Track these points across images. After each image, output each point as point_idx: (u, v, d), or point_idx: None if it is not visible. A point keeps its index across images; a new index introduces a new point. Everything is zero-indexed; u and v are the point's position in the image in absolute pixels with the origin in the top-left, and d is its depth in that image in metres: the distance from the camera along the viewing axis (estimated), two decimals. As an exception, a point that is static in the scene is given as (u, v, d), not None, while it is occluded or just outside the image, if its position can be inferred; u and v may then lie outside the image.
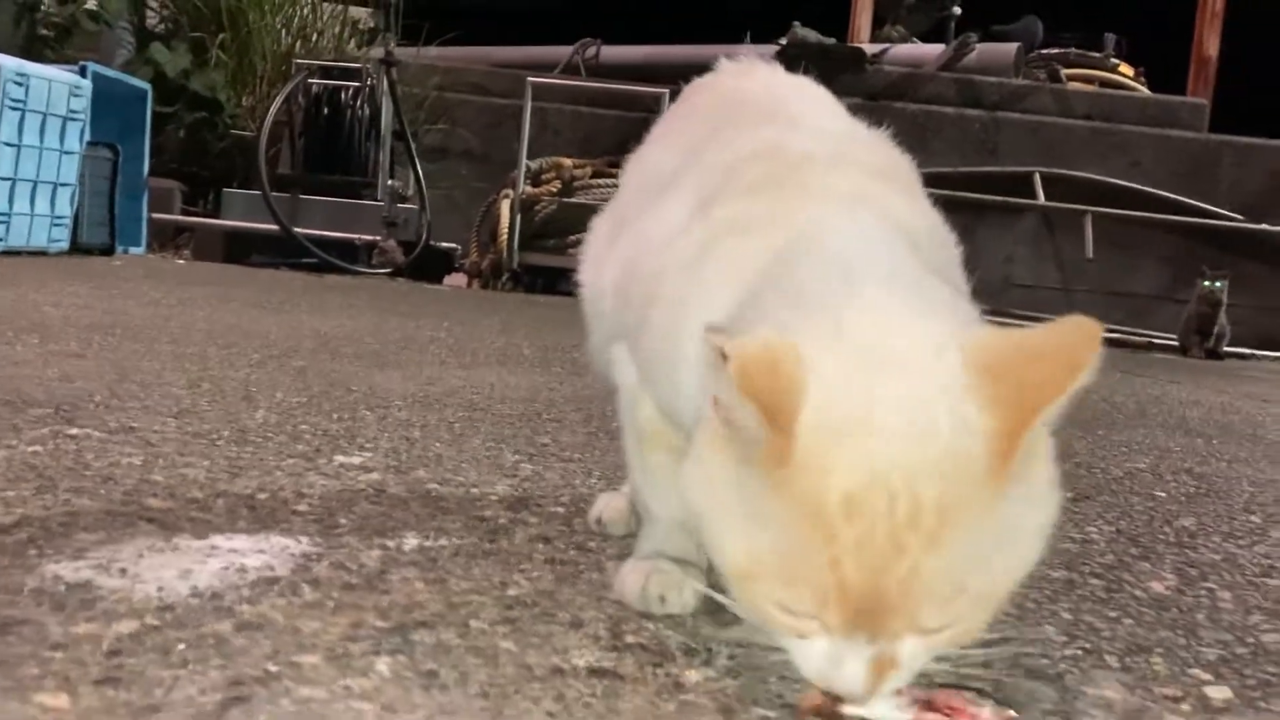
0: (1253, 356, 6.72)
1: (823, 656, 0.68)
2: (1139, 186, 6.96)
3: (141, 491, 1.17)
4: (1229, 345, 6.45)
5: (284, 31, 6.84)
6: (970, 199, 6.84)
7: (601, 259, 1.07)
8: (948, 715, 0.71)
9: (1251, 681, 0.87)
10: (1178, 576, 1.21)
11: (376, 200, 6.20)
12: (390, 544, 1.06)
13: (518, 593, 0.94)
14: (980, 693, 0.74)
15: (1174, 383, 4.35)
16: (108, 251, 5.28)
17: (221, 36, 6.50)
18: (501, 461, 1.53)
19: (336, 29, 7.10)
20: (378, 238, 6.03)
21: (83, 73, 5.04)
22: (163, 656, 0.73)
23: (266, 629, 0.80)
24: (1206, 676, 0.87)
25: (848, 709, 0.70)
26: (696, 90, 1.15)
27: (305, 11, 6.98)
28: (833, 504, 0.64)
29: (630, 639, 0.85)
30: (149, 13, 6.68)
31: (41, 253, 4.80)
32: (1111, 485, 1.81)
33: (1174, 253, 6.91)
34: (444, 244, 6.51)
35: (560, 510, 1.27)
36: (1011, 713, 0.73)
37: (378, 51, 6.32)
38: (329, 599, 0.88)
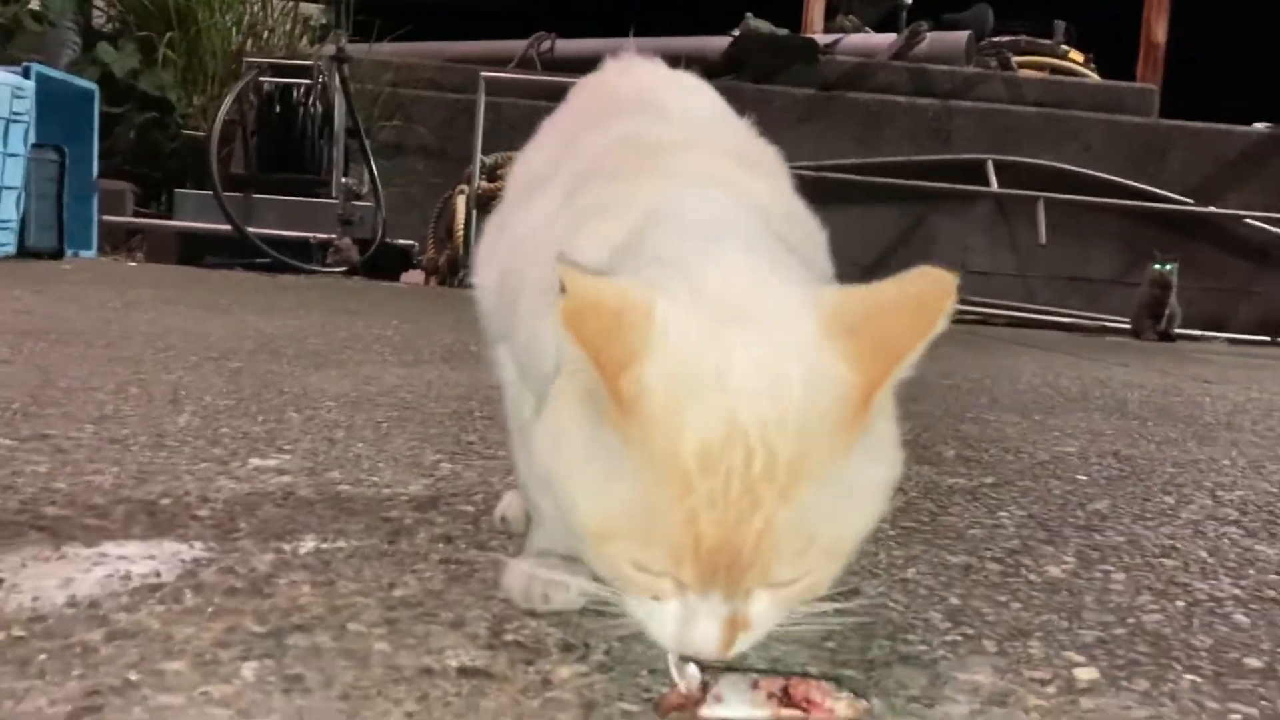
0: (1203, 338, 6.82)
1: (675, 617, 0.68)
2: (1091, 172, 7.03)
3: (40, 500, 1.17)
4: (1180, 327, 6.54)
5: (234, 29, 6.77)
6: (924, 187, 6.90)
7: (496, 261, 1.08)
8: (804, 708, 0.72)
9: (1121, 662, 0.89)
10: (1077, 559, 1.23)
11: (331, 198, 6.17)
12: (286, 548, 1.06)
13: (404, 594, 0.94)
14: (838, 682, 0.75)
15: (1122, 365, 4.41)
16: (57, 255, 5.22)
17: (170, 35, 6.43)
18: (421, 461, 1.53)
19: (288, 26, 7.05)
20: (333, 236, 5.99)
21: (26, 74, 4.98)
22: (20, 668, 0.73)
23: (138, 637, 0.80)
24: (1079, 659, 0.89)
25: (705, 711, 0.71)
26: (579, 90, 1.14)
27: (255, 9, 6.92)
28: (688, 458, 0.64)
29: (509, 637, 0.86)
30: (95, 12, 6.60)
31: (-14, 257, 4.74)
32: (1035, 469, 1.83)
33: (1126, 237, 7.00)
34: (401, 241, 6.48)
35: (470, 509, 1.27)
36: (865, 703, 0.74)
37: (329, 48, 6.28)
38: (210, 605, 0.88)
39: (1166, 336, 6.38)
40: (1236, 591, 1.13)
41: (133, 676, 0.73)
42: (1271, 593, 1.14)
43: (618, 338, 0.65)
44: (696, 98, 1.06)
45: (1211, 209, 7.06)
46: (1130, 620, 1.01)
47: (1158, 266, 6.33)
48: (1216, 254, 7.12)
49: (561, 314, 0.65)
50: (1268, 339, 6.95)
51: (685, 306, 0.67)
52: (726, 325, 0.67)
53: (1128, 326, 6.61)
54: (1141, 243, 6.68)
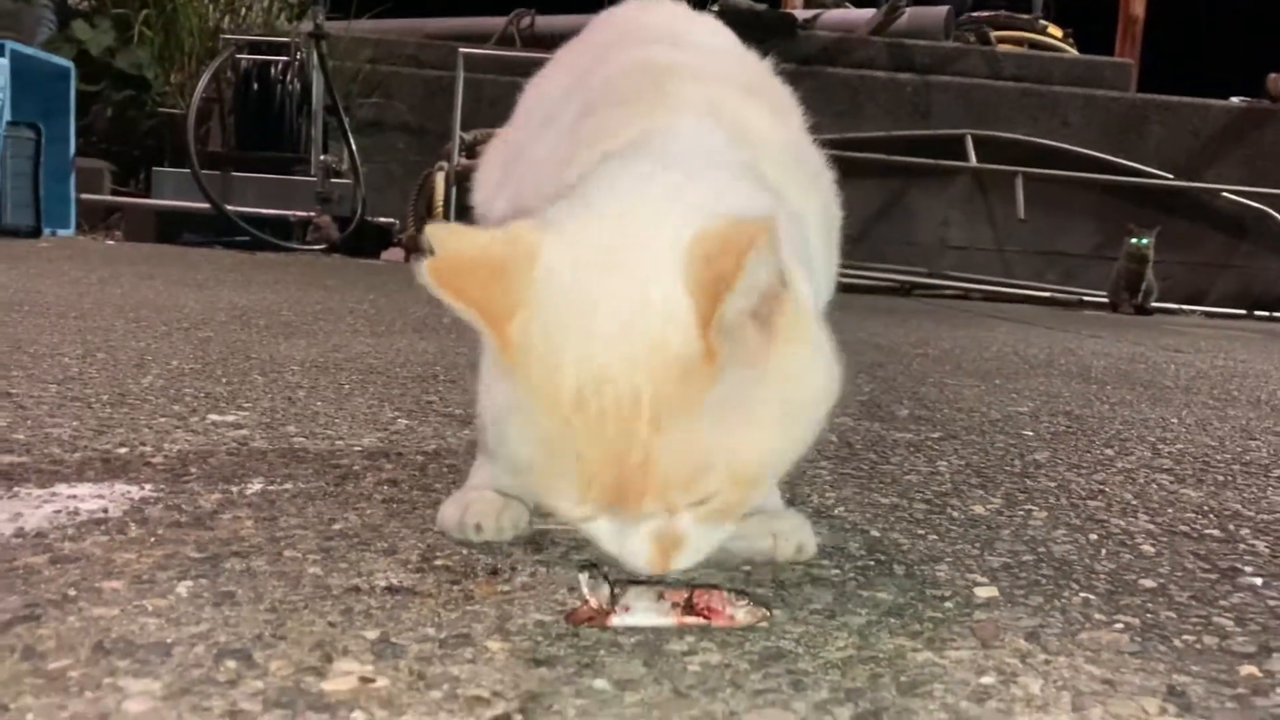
0: (1180, 311, 6.89)
1: (609, 533, 0.74)
2: (1069, 147, 7.08)
3: (-2, 449, 1.20)
4: (1157, 301, 6.61)
5: (211, 6, 6.76)
6: (903, 162, 6.93)
7: (495, 182, 1.10)
8: (706, 616, 0.77)
9: (1022, 583, 0.94)
10: (1004, 500, 1.28)
11: (310, 176, 6.17)
12: (234, 489, 1.10)
13: (343, 526, 0.99)
14: (740, 593, 0.79)
15: (1094, 337, 4.47)
16: (34, 233, 5.22)
17: (146, 12, 6.41)
18: (379, 418, 1.57)
19: (265, 3, 7.03)
20: (312, 214, 6.01)
21: (1, 51, 4.97)
22: (-37, 586, 0.77)
23: (80, 561, 0.84)
24: (982, 580, 0.94)
25: (614, 620, 0.76)
26: (599, 23, 1.13)
27: (233, -14, 6.91)
28: (565, 400, 0.68)
29: (439, 562, 0.90)
30: (71, -11, 6.58)
31: (-37, 235, 4.74)
32: (983, 426, 1.88)
33: (1104, 211, 7.05)
34: (381, 219, 6.50)
35: (419, 458, 1.31)
36: (765, 611, 0.79)
37: (308, 25, 6.27)
38: (152, 536, 0.92)
39: (1143, 310, 6.44)
40: (1150, 527, 1.18)
41: (71, 593, 0.77)
42: (1184, 528, 1.18)
43: (500, 288, 0.68)
44: (716, 34, 1.07)
45: (1189, 183, 7.12)
46: (1040, 550, 1.05)
47: (1134, 240, 6.38)
48: (1194, 228, 7.18)
49: (429, 272, 0.68)
50: (1244, 312, 7.02)
51: (566, 248, 0.71)
52: (597, 268, 0.70)
53: (1105, 300, 6.67)
54: (1119, 217, 6.73)
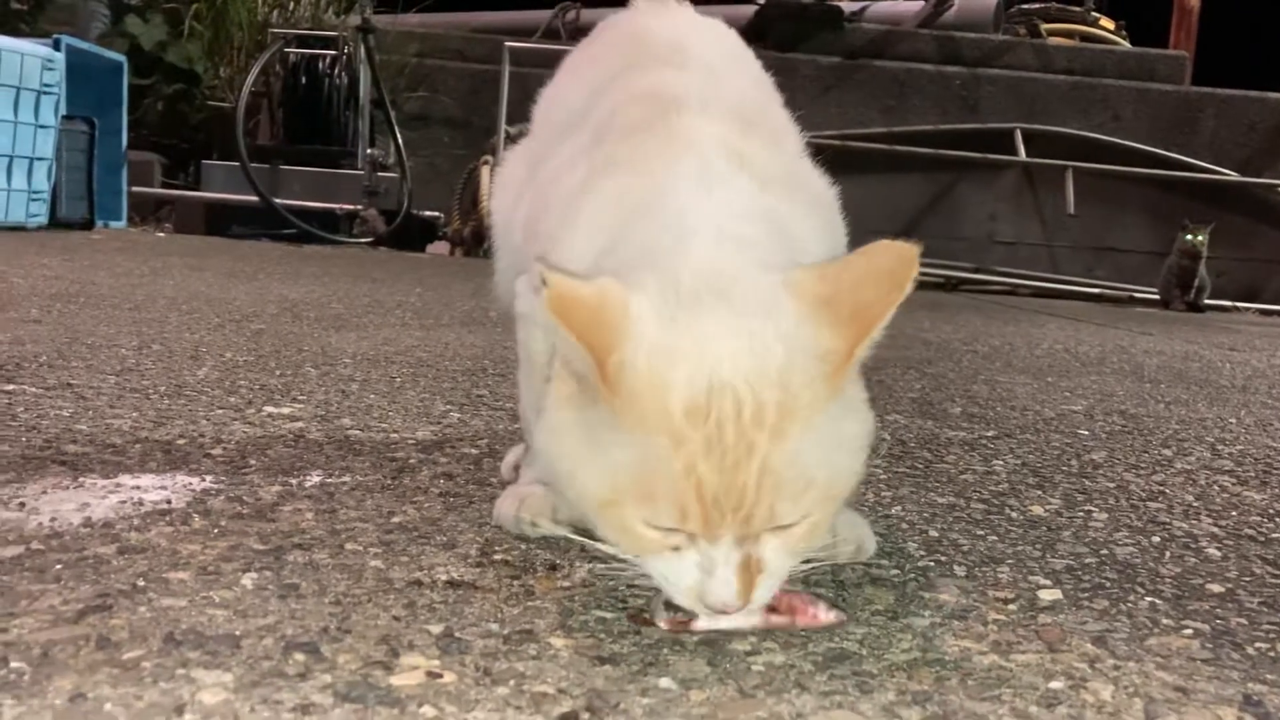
0: (1234, 308, 6.76)
1: (695, 569, 0.72)
2: (1120, 141, 6.96)
3: (62, 439, 1.22)
4: (1210, 297, 6.49)
5: (260, 1, 6.83)
6: (951, 156, 6.85)
7: (516, 191, 1.12)
8: (789, 614, 0.76)
9: (1086, 586, 0.92)
10: (1063, 501, 1.26)
11: (356, 169, 6.22)
12: (293, 481, 1.11)
13: (402, 520, 0.99)
14: (816, 596, 0.79)
15: (1145, 334, 4.39)
16: (87, 225, 5.31)
17: (197, 7, 6.49)
18: (431, 411, 1.58)
19: (313, -3, 7.09)
20: (358, 207, 6.05)
21: (56, 46, 5.05)
22: (37, 575, 0.78)
23: (147, 552, 0.85)
24: (1045, 582, 0.92)
25: (698, 624, 0.75)
26: (608, 27, 1.17)
27: (281, -19, 6.97)
28: (677, 414, 0.69)
29: (499, 557, 0.90)
30: (123, -15, 6.67)
31: (20, 228, 4.83)
32: (1038, 425, 1.85)
33: (1155, 206, 6.93)
34: (427, 212, 6.53)
35: (473, 452, 1.32)
36: (841, 613, 0.78)
37: (355, 19, 6.32)
38: (215, 527, 0.93)
39: (1195, 307, 6.33)
40: (1215, 530, 1.16)
41: (140, 583, 0.78)
42: (1250, 531, 1.16)
43: (599, 328, 0.70)
44: (722, 41, 1.08)
45: (1244, 178, 6.97)
46: (1103, 552, 1.04)
47: (1188, 237, 6.27)
48: (1249, 224, 7.03)
49: (547, 302, 0.70)
50: (1299, 310, 6.87)
51: (657, 298, 0.73)
52: (698, 307, 0.73)
53: (1156, 297, 6.56)
54: (1171, 212, 6.61)
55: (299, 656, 0.67)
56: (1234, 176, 6.98)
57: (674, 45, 1.05)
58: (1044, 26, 7.57)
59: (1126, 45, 7.77)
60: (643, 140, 0.90)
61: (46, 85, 4.90)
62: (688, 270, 0.75)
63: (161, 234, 5.87)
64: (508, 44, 6.45)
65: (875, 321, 0.73)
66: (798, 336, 0.72)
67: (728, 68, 1.07)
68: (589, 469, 0.73)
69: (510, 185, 1.14)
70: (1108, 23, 7.88)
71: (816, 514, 0.73)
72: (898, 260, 0.74)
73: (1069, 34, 7.71)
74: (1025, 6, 7.82)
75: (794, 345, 0.71)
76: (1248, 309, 6.80)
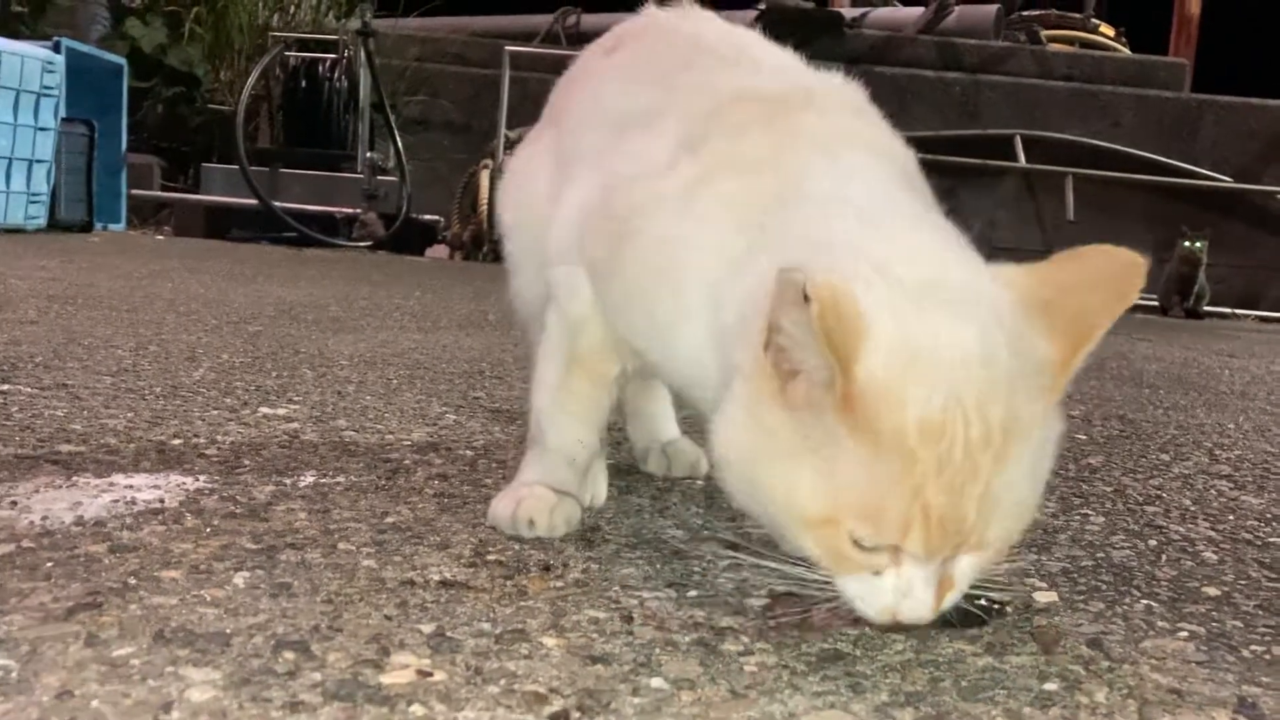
0: (1233, 315, 6.76)
1: (892, 589, 0.70)
2: (1120, 147, 6.96)
3: (56, 438, 1.22)
4: (1209, 304, 6.49)
5: (261, 4, 6.84)
6: (952, 162, 6.85)
7: (530, 194, 1.10)
8: None
9: (1082, 588, 0.92)
10: (1059, 504, 1.25)
11: (356, 173, 6.22)
12: (287, 481, 1.10)
13: (395, 520, 0.99)
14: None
15: (1144, 340, 4.39)
16: (86, 228, 5.31)
17: (197, 10, 6.51)
18: (427, 413, 1.58)
19: (314, 1, 7.10)
20: (358, 210, 6.06)
21: (56, 48, 5.05)
22: (28, 572, 0.78)
23: (139, 550, 0.85)
24: (1041, 584, 0.92)
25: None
26: (640, 32, 1.14)
27: (282, -16, 6.98)
28: (911, 432, 0.66)
29: (492, 557, 0.90)
30: (124, -12, 6.68)
31: (19, 230, 4.83)
32: (1035, 429, 1.85)
33: (1155, 213, 6.92)
34: (426, 216, 6.53)
35: (469, 454, 1.31)
36: None
37: (355, 23, 6.33)
38: (208, 526, 0.93)
39: (1194, 314, 6.33)
40: (1211, 534, 1.15)
41: (131, 581, 0.78)
42: (1246, 535, 1.16)
43: (843, 332, 0.67)
44: (774, 49, 1.07)
45: (1243, 185, 6.98)
46: (1099, 555, 1.03)
47: (1187, 244, 6.27)
48: (1248, 231, 7.03)
49: (817, 323, 0.66)
50: (1298, 317, 6.87)
51: (884, 296, 0.70)
52: (926, 308, 0.70)
53: (1154, 303, 6.56)
54: (1171, 219, 6.61)
55: (289, 655, 0.67)
56: (1233, 184, 6.98)
57: (736, 45, 1.04)
58: (1044, 33, 7.58)
59: (1126, 52, 7.78)
60: (761, 137, 0.87)
61: (46, 87, 4.90)
62: (899, 262, 0.72)
63: (161, 237, 5.87)
64: (508, 48, 6.46)
65: (1095, 331, 0.71)
66: (1021, 346, 0.70)
67: (793, 63, 1.06)
68: (805, 480, 0.70)
69: (527, 197, 1.11)
70: (1108, 29, 7.90)
71: (1012, 530, 0.72)
72: (1122, 267, 0.73)
73: (1069, 40, 7.73)
74: (1025, 13, 7.83)
75: (1019, 356, 0.69)
76: (1247, 316, 6.81)
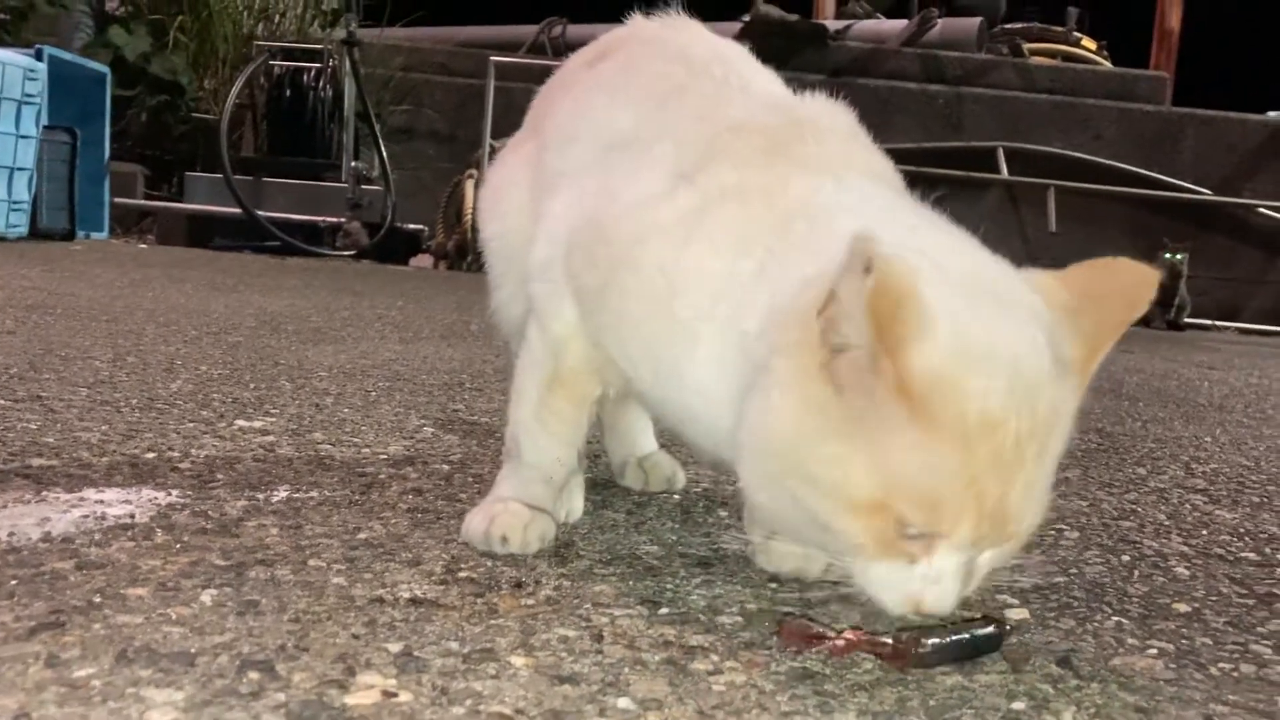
0: (1213, 327, 6.80)
1: (921, 577, 0.72)
2: (1102, 160, 7.01)
3: (28, 452, 1.21)
4: (1191, 316, 6.53)
5: (245, 13, 6.82)
6: (934, 174, 6.88)
7: (511, 206, 1.09)
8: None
9: (1054, 605, 0.92)
10: (1035, 520, 1.26)
11: (341, 182, 6.21)
12: (260, 496, 1.10)
13: (368, 536, 0.98)
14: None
15: (1126, 352, 4.41)
16: (68, 236, 5.27)
17: (181, 19, 6.48)
18: (405, 426, 1.57)
19: (299, 10, 7.09)
20: (342, 220, 6.04)
21: (38, 56, 5.03)
22: (-9, 590, 0.77)
23: (107, 567, 0.84)
24: (1013, 601, 0.92)
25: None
26: (627, 42, 1.13)
27: (267, -7, 6.98)
28: (972, 423, 0.68)
29: (464, 574, 0.90)
30: (108, -4, 6.67)
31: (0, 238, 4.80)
32: (1013, 442, 1.85)
33: (1137, 225, 6.97)
34: (411, 225, 6.53)
35: (445, 468, 1.31)
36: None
37: (341, 32, 6.32)
38: (178, 542, 0.92)
39: (1175, 325, 6.37)
40: (1184, 549, 1.16)
41: (96, 599, 0.77)
42: (1219, 550, 1.16)
43: (899, 316, 0.68)
44: (757, 68, 1.08)
45: (1224, 198, 7.03)
46: (1072, 571, 1.04)
47: (1168, 256, 6.31)
48: (1228, 243, 7.09)
49: (869, 297, 0.67)
50: (1279, 329, 6.92)
51: (941, 287, 0.71)
52: (982, 303, 0.73)
53: (1137, 314, 6.60)
54: (1152, 231, 6.65)
55: (253, 675, 0.66)
56: (1214, 196, 7.03)
57: (725, 65, 1.04)
58: (1027, 46, 7.63)
59: (1108, 65, 7.84)
60: (763, 167, 0.88)
61: (28, 95, 4.87)
62: (941, 256, 0.74)
63: (143, 245, 5.84)
64: (493, 58, 6.46)
65: (1111, 338, 0.75)
66: (1057, 346, 0.72)
67: (777, 87, 1.07)
68: (859, 462, 0.70)
69: (510, 208, 1.11)
70: (1090, 43, 7.95)
71: (1037, 524, 0.75)
72: (1136, 279, 0.77)
73: (1051, 54, 7.78)
74: (1008, 26, 7.88)
75: (1057, 355, 0.72)
76: (1227, 328, 6.85)
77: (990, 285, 0.74)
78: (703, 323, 0.84)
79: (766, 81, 1.07)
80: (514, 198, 1.11)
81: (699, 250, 0.85)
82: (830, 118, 0.97)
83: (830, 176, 0.86)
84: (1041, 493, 0.72)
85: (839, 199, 0.83)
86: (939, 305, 0.69)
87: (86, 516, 0.97)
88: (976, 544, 0.71)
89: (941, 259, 0.74)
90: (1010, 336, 0.71)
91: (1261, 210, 7.03)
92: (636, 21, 1.16)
